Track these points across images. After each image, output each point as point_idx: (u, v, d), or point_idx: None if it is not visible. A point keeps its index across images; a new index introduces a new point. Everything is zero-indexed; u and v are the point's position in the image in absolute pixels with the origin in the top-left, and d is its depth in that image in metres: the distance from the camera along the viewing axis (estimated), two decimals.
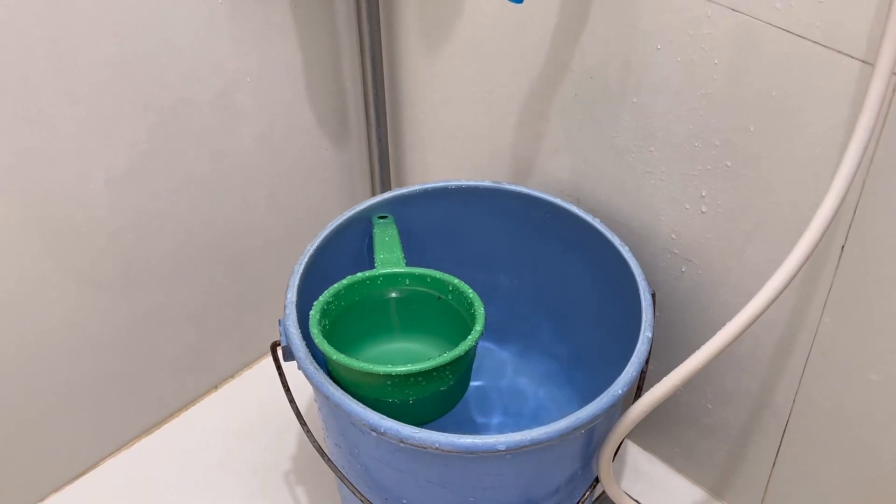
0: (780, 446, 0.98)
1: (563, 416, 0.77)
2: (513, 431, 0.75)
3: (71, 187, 0.94)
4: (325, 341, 0.81)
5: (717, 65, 0.80)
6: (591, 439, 0.85)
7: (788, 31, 0.74)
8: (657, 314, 1.00)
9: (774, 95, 0.78)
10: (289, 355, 0.84)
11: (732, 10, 0.77)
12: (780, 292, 0.75)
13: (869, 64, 0.70)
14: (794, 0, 0.72)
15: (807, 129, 0.77)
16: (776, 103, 0.78)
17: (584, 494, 0.91)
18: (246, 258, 1.17)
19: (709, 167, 0.86)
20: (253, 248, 1.17)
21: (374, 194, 1.24)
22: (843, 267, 0.81)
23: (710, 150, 0.85)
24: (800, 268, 0.74)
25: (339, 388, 0.79)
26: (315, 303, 0.86)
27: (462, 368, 0.85)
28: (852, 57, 0.71)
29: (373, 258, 0.93)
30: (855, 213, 0.78)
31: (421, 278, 0.91)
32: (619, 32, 0.86)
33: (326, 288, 0.88)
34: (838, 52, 0.72)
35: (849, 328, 0.84)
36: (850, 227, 0.79)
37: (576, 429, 0.76)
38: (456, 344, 0.82)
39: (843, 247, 0.80)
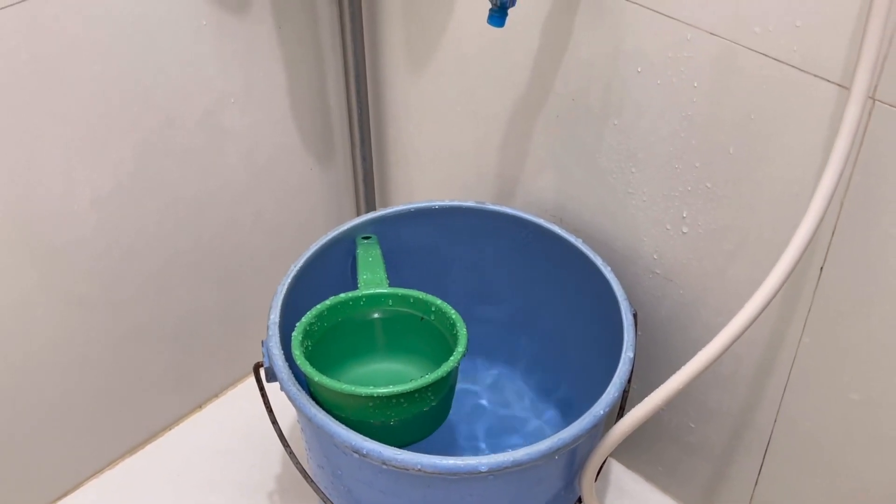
0: (762, 464, 0.98)
1: (545, 437, 0.77)
2: (495, 452, 0.75)
3: (57, 206, 0.94)
4: (307, 363, 0.81)
5: (696, 87, 0.81)
6: (574, 459, 0.86)
7: (767, 56, 0.75)
8: (639, 334, 1.00)
9: (753, 118, 0.79)
10: (272, 376, 0.84)
11: (711, 34, 0.77)
12: (760, 312, 0.75)
13: (845, 88, 0.71)
14: (773, 25, 0.73)
15: (786, 152, 0.78)
16: (755, 126, 0.79)
17: None
18: (231, 277, 1.17)
19: (689, 188, 0.87)
20: (238, 268, 1.17)
21: (359, 213, 1.25)
22: (823, 287, 0.82)
23: (691, 172, 0.86)
24: (779, 288, 0.75)
25: (321, 409, 0.79)
26: (298, 324, 0.86)
27: (444, 389, 0.85)
28: (829, 81, 0.72)
29: (356, 278, 0.93)
30: (833, 234, 0.78)
31: (404, 299, 0.91)
32: (601, 55, 0.87)
33: (310, 308, 0.89)
34: (815, 76, 0.73)
35: (828, 348, 0.84)
36: (828, 249, 0.79)
37: (558, 450, 0.77)
38: (439, 364, 0.82)
39: (821, 268, 0.81)
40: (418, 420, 0.84)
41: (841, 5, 0.68)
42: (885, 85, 0.69)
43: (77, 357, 1.05)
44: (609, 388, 0.81)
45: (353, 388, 0.79)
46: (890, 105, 0.69)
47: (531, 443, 0.76)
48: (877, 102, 0.70)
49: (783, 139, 0.78)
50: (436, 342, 0.90)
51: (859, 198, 0.75)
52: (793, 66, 0.74)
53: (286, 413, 0.99)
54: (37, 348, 1.01)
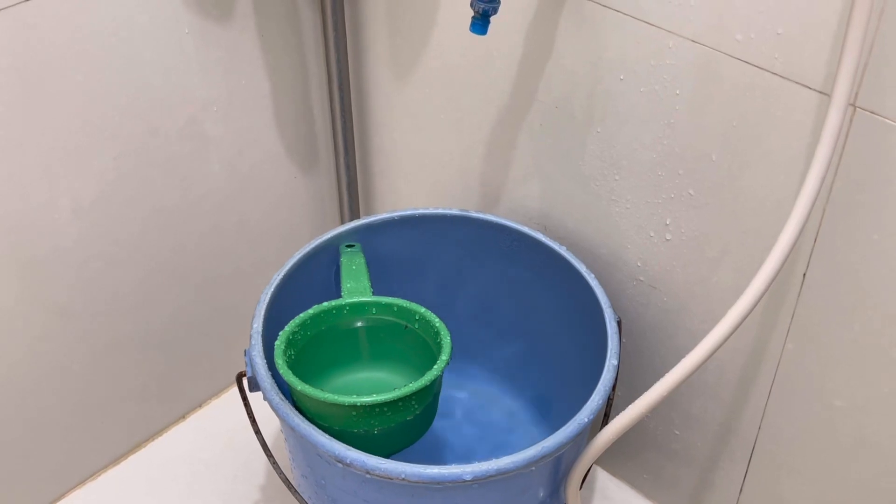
0: (747, 471, 0.98)
1: (530, 445, 0.77)
2: (479, 461, 0.75)
3: (38, 216, 0.94)
4: (289, 372, 0.81)
5: (679, 95, 0.81)
6: (559, 467, 0.86)
7: (748, 63, 0.75)
8: (624, 341, 1.00)
9: (736, 125, 0.79)
10: (254, 386, 0.84)
11: (693, 41, 0.78)
12: (744, 319, 0.75)
13: (826, 95, 0.72)
14: (754, 32, 0.74)
15: (768, 159, 0.78)
16: (737, 133, 0.79)
17: None
18: (215, 286, 1.16)
19: (672, 195, 0.87)
20: (222, 277, 1.16)
21: (343, 221, 1.25)
22: (805, 294, 0.82)
23: (674, 179, 0.86)
24: (762, 295, 0.75)
25: (304, 418, 0.79)
26: (281, 333, 0.86)
27: (428, 398, 0.85)
28: (810, 88, 0.72)
29: (340, 287, 0.93)
30: (816, 240, 0.79)
31: (388, 307, 0.91)
32: (584, 63, 0.87)
33: (293, 317, 0.88)
34: (797, 83, 0.73)
35: (812, 355, 0.85)
36: (811, 255, 0.80)
37: (542, 458, 0.77)
38: (423, 372, 0.82)
39: (804, 274, 0.81)
40: (402, 429, 0.84)
41: (822, 13, 0.69)
42: (865, 92, 0.69)
43: (59, 367, 1.04)
44: (593, 396, 0.81)
45: (335, 398, 0.78)
46: (870, 112, 0.70)
47: (516, 451, 0.76)
48: (857, 109, 0.70)
49: (765, 146, 0.78)
50: (420, 350, 0.89)
51: (841, 204, 0.75)
52: (774, 74, 0.74)
53: (270, 423, 0.99)
54: (18, 359, 1.00)
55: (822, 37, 0.70)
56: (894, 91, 0.68)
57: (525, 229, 0.98)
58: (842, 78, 0.67)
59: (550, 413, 1.09)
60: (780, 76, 0.74)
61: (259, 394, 0.84)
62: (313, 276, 0.97)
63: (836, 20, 0.68)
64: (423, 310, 0.89)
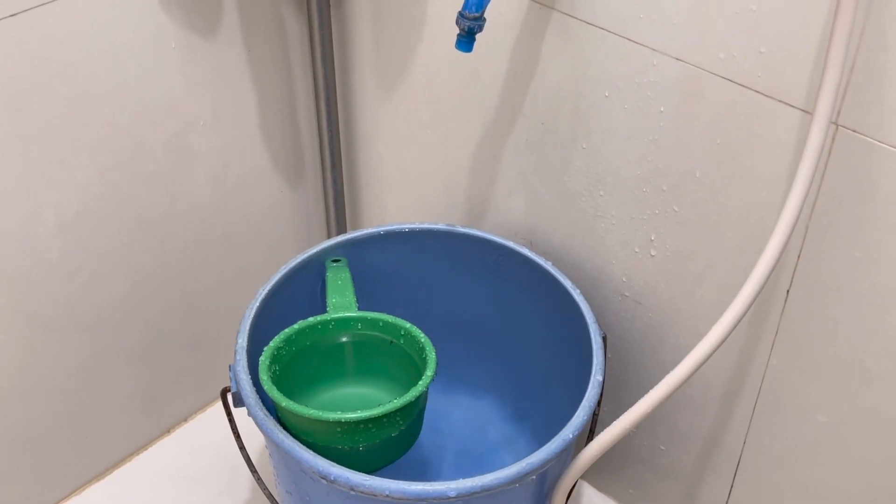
0: (732, 486, 0.98)
1: (514, 461, 0.77)
2: (464, 477, 0.75)
3: (22, 229, 0.93)
4: (274, 388, 0.80)
5: (663, 112, 0.82)
6: (544, 483, 0.86)
7: (731, 81, 0.76)
8: (609, 356, 1.01)
9: (719, 142, 0.79)
10: (239, 401, 0.84)
11: (677, 59, 0.78)
12: (728, 335, 0.76)
13: (808, 113, 0.72)
14: (737, 51, 0.74)
15: (751, 175, 0.79)
16: (721, 150, 0.80)
17: None
18: (200, 300, 1.16)
19: (657, 211, 0.88)
20: (207, 291, 1.16)
21: (329, 236, 1.24)
22: (789, 310, 0.82)
23: (658, 195, 0.87)
24: (746, 310, 0.75)
25: (288, 434, 0.78)
26: (265, 348, 0.86)
27: (413, 414, 0.84)
28: (793, 106, 0.73)
29: (325, 302, 0.93)
30: (799, 257, 0.79)
31: (373, 322, 0.91)
32: (569, 79, 0.88)
33: (278, 332, 0.88)
34: (779, 101, 0.73)
35: (796, 370, 0.85)
36: (794, 271, 0.80)
37: (527, 474, 0.77)
38: (408, 388, 0.82)
39: (788, 290, 0.81)
40: (387, 445, 0.84)
41: (804, 32, 0.69)
42: (847, 110, 0.70)
43: (42, 381, 1.04)
44: (578, 412, 0.81)
45: (320, 414, 0.78)
46: (852, 130, 0.70)
47: (500, 467, 0.76)
48: (840, 127, 0.71)
49: (749, 163, 0.78)
50: (405, 366, 0.89)
51: (824, 221, 0.76)
52: (757, 92, 0.74)
53: (255, 438, 0.98)
54: (0, 372, 0.99)
55: (804, 55, 0.70)
56: (876, 109, 0.68)
57: (511, 244, 0.98)
58: (824, 96, 0.68)
59: (535, 428, 1.09)
60: (763, 94, 0.74)
61: (244, 409, 0.83)
62: (299, 290, 0.97)
63: (819, 38, 0.69)
64: (408, 325, 0.89)
